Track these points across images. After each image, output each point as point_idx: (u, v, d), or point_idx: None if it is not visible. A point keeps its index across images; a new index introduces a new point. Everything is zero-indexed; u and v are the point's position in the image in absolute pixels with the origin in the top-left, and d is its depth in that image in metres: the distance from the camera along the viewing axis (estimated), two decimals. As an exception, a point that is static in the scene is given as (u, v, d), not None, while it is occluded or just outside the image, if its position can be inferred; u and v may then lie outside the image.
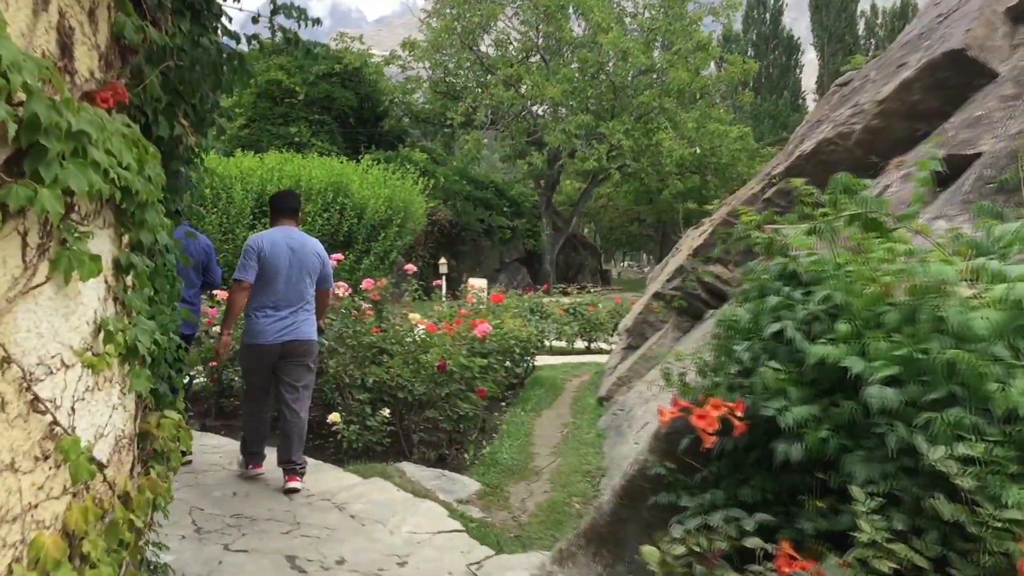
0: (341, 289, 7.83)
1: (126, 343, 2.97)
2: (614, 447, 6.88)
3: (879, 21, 56.72)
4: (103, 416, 2.85)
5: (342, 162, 14.47)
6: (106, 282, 2.89)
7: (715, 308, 8.47)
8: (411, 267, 9.05)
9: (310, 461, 6.17)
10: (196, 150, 3.77)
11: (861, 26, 57.85)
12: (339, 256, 8.22)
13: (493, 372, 7.56)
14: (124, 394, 3.10)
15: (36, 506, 2.17)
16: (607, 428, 7.91)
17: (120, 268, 3.00)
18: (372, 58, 32.27)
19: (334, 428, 6.31)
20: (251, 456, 5.76)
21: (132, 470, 3.29)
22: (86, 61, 2.63)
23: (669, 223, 42.76)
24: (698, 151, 28.08)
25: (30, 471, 2.15)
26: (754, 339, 3.00)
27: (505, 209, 30.16)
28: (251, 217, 12.58)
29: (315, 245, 5.54)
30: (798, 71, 60.38)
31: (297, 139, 26.52)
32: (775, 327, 2.88)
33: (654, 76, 29.42)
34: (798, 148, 8.03)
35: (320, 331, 5.78)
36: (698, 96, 29.65)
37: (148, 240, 3.14)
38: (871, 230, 2.93)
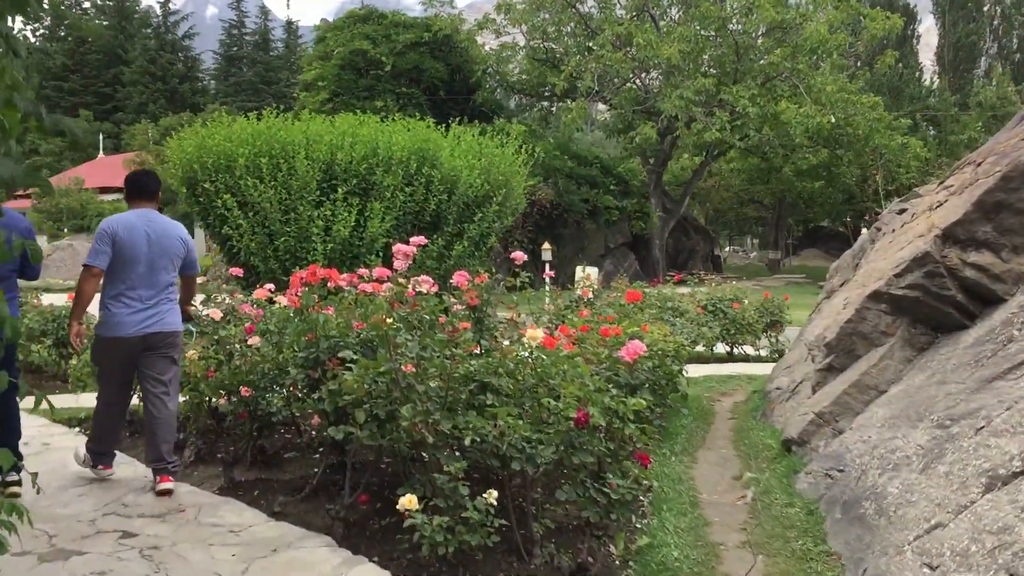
0: (425, 285, 5.37)
1: None
2: (863, 553, 4.20)
3: (1005, -14, 52.13)
4: None
5: (429, 126, 12.00)
6: None
7: (974, 315, 5.70)
8: (520, 255, 6.50)
9: (368, 569, 3.95)
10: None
11: (986, -8, 53.45)
12: (421, 240, 5.74)
13: (650, 418, 4.97)
14: None
15: None
16: (820, 500, 5.23)
17: None
18: (463, 24, 29.87)
19: (408, 520, 3.81)
20: (100, 456, 5.29)
21: None
22: None
23: (787, 204, 39.17)
24: (834, 120, 24.53)
25: None
26: None
27: (612, 188, 27.24)
28: (317, 192, 10.25)
29: (178, 229, 5.34)
30: (915, 41, 56.03)
31: (383, 113, 24.38)
32: None
33: (781, 35, 25.93)
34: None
35: (188, 317, 5.58)
36: (834, 55, 26.10)
37: None
38: None
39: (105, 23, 62.91)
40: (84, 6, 65.01)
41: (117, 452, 5.50)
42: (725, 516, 5.23)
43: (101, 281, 5.08)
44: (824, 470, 5.49)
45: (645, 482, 4.62)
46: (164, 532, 4.37)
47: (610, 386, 4.56)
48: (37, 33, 64.91)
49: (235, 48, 68.66)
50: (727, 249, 60.15)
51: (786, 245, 45.28)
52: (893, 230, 7.21)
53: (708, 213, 43.77)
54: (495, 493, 3.90)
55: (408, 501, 3.85)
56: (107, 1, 63.83)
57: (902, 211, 7.60)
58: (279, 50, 69.63)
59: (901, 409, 5.35)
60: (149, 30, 63.71)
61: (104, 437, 5.28)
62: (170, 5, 64.85)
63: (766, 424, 7.63)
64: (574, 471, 4.18)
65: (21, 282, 5.82)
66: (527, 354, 4.57)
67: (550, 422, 4.16)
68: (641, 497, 4.83)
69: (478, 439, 4.04)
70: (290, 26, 71.81)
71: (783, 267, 39.90)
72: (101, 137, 51.06)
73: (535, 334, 4.54)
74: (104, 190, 39.47)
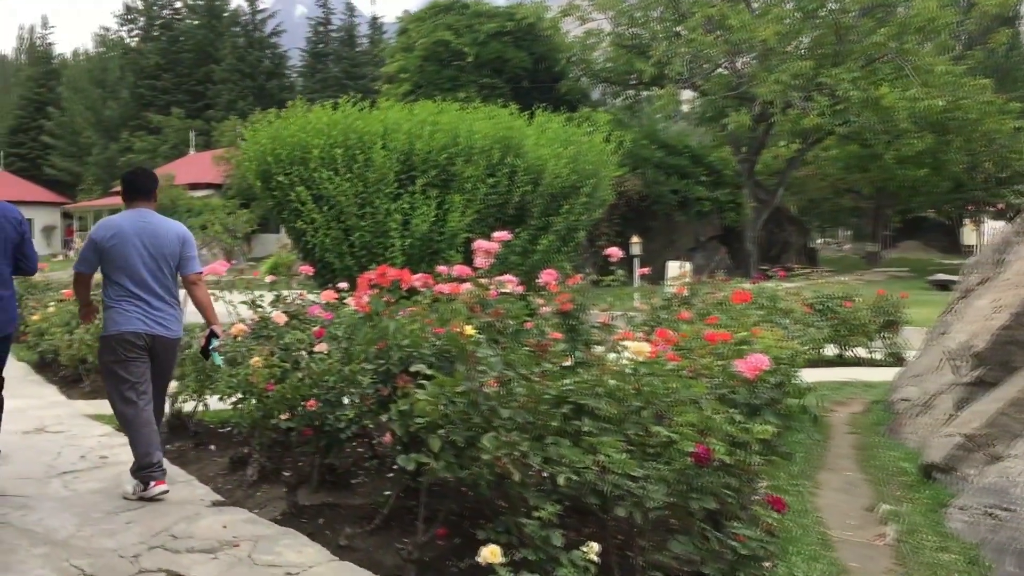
0: (510, 285, 4.74)
1: None
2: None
3: None
4: None
5: (512, 113, 11.34)
6: None
7: None
8: (616, 251, 5.79)
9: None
10: None
11: (1102, -37, 49.82)
12: (505, 235, 5.08)
13: (775, 444, 4.18)
14: None
15: None
16: (983, 546, 4.36)
17: None
18: (547, 12, 29.16)
19: (491, 577, 3.14)
20: (148, 473, 4.86)
21: None
22: None
23: (886, 193, 37.13)
24: (942, 104, 22.95)
25: None
26: None
27: (703, 178, 26.14)
28: (395, 184, 9.70)
29: (174, 227, 5.20)
30: (1018, 23, 52.51)
31: (466, 102, 23.94)
32: None
33: (883, 14, 24.36)
34: None
35: (215, 335, 5.15)
36: (944, 35, 24.43)
37: None
38: None
39: (196, 22, 64.29)
40: (176, 6, 66.61)
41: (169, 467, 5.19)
42: (864, 560, 4.41)
43: (92, 280, 5.26)
44: (984, 507, 4.61)
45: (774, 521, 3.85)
46: (213, 574, 3.81)
47: (730, 409, 3.81)
48: (132, 34, 66.91)
49: (321, 45, 69.44)
50: (819, 241, 57.83)
51: (884, 237, 43.10)
52: (1050, 221, 6.21)
53: (801, 204, 41.96)
54: (596, 546, 3.21)
55: (491, 553, 3.19)
56: (198, 1, 65.20)
57: (1058, 199, 6.56)
58: (364, 45, 70.15)
59: None
60: (238, 28, 64.82)
61: (145, 441, 4.93)
62: (258, 3, 65.86)
63: (895, 442, 6.72)
64: (689, 515, 3.45)
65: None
66: (630, 370, 3.86)
67: (655, 448, 3.45)
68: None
69: (575, 476, 3.36)
70: (375, 21, 72.28)
71: (882, 260, 37.90)
72: (192, 134, 52.09)
73: (641, 347, 3.81)
74: (194, 186, 40.13)
